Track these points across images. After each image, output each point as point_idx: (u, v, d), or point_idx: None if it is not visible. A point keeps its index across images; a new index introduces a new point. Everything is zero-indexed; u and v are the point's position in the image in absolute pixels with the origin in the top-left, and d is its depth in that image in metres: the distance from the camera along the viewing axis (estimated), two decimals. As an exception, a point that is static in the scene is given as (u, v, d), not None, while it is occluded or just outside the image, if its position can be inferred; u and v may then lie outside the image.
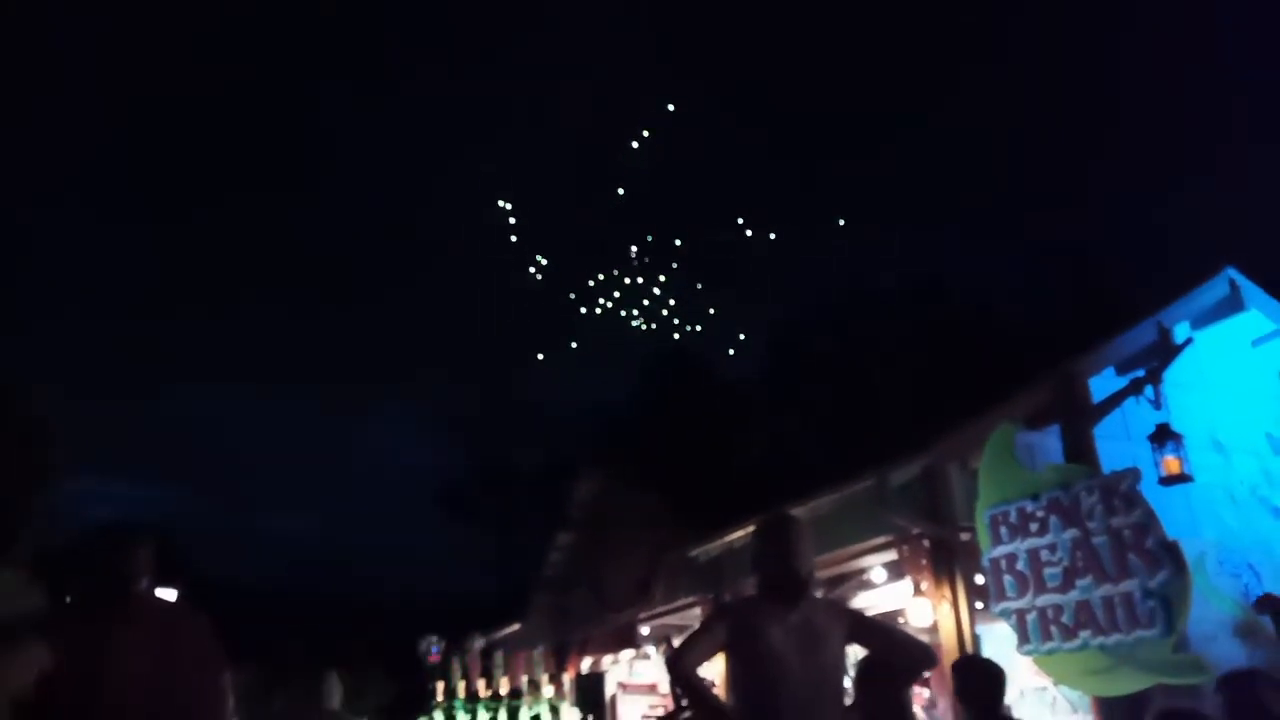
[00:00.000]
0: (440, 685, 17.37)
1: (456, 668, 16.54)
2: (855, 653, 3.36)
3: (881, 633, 3.35)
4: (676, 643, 10.10)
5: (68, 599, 2.93)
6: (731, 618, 3.20)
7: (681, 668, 3.02)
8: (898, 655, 3.25)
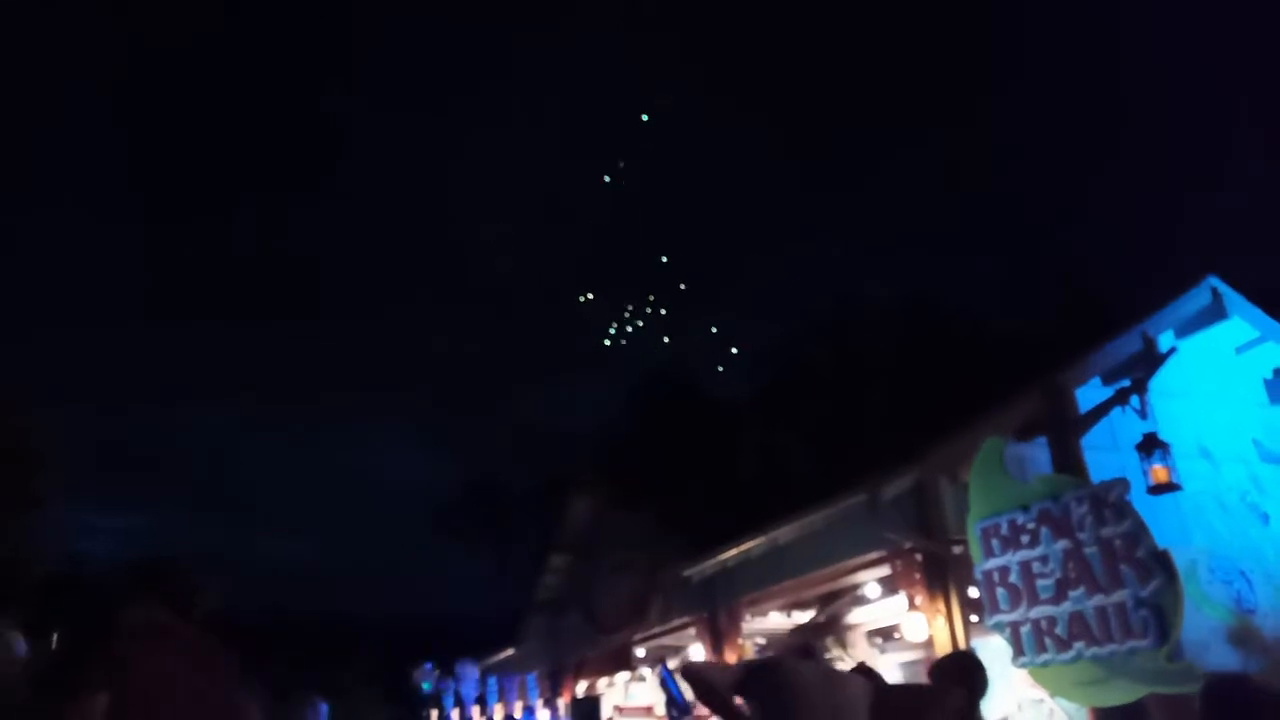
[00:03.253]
0: (435, 713, 17.21)
1: (451, 694, 16.40)
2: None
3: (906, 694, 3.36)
4: (673, 663, 10.04)
5: (82, 637, 2.89)
6: (749, 673, 3.20)
7: (700, 673, 3.03)
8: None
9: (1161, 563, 5.50)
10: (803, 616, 9.50)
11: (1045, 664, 5.94)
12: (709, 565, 9.74)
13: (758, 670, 3.13)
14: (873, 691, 3.16)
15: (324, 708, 5.54)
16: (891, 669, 8.77)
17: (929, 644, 6.96)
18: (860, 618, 8.92)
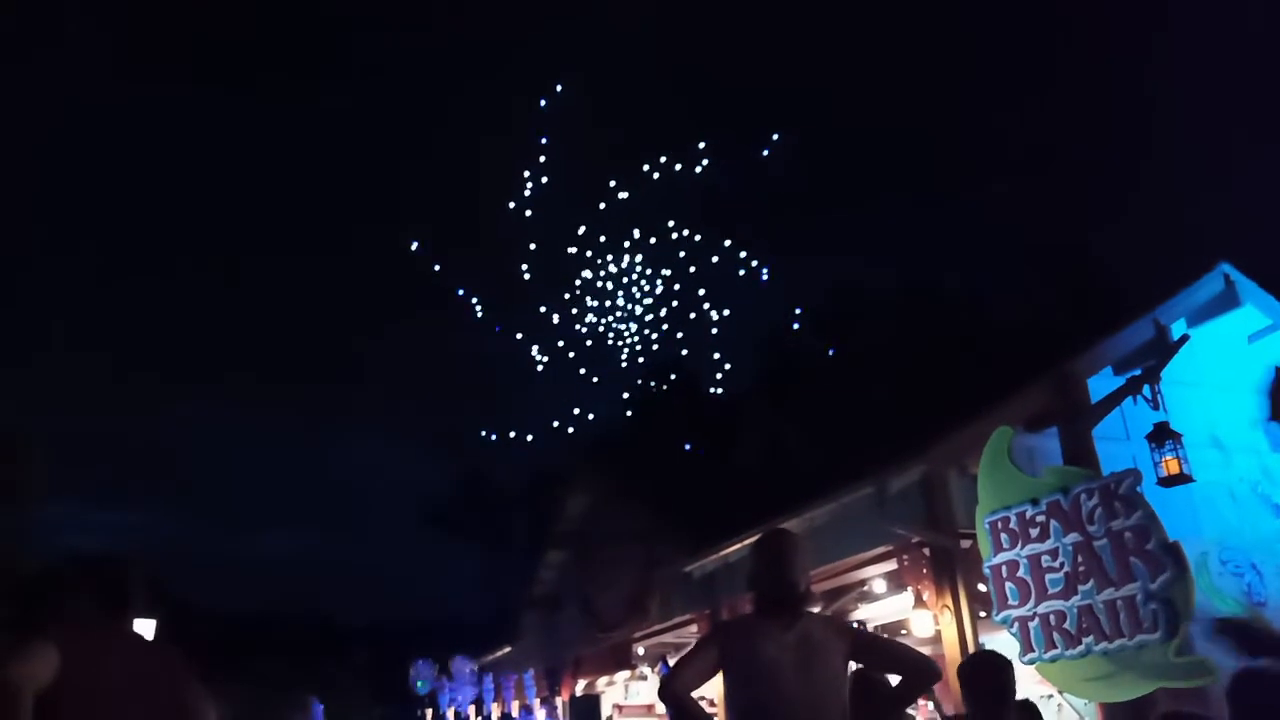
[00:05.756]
0: (430, 712, 17.10)
1: (447, 693, 16.28)
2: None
3: (883, 649, 3.24)
4: (672, 662, 9.91)
5: (55, 619, 2.87)
6: (726, 637, 3.11)
7: (673, 691, 2.92)
8: (900, 671, 3.13)
9: (1172, 555, 5.39)
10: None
11: (1054, 659, 5.83)
12: (710, 560, 9.61)
13: (724, 645, 3.00)
14: (850, 645, 3.04)
15: (319, 707, 5.41)
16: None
17: (936, 640, 6.82)
18: (867, 614, 8.79)
